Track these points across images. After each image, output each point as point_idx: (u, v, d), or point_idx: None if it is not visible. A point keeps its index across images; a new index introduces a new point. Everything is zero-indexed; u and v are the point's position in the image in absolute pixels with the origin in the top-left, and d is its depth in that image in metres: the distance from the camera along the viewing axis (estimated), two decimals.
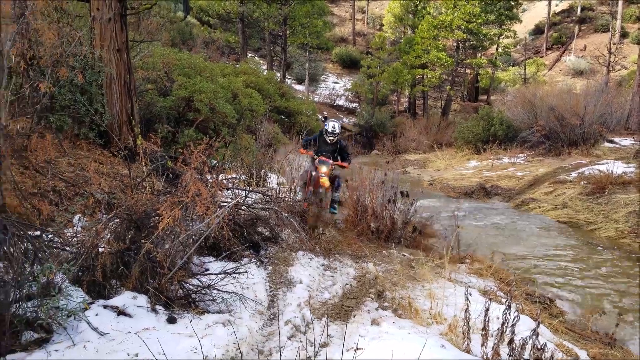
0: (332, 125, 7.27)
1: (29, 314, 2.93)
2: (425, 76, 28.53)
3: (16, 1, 4.98)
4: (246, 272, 4.49)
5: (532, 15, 41.48)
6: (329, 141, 7.28)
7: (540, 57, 37.53)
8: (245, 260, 4.95)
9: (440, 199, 13.05)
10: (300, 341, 3.37)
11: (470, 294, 3.45)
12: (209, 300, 3.92)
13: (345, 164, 7.29)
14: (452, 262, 5.94)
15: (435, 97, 32.74)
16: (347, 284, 4.90)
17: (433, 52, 27.22)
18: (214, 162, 7.04)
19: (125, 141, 6.59)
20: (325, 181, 6.79)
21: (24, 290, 2.94)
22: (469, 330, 3.44)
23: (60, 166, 5.24)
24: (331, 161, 7.08)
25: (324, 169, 6.91)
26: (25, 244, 3.09)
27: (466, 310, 3.40)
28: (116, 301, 3.38)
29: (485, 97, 33.51)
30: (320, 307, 4.30)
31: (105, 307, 3.31)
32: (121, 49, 6.80)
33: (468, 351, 3.40)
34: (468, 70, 31.77)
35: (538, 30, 40.79)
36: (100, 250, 3.57)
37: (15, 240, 2.98)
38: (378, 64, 28.87)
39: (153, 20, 12.66)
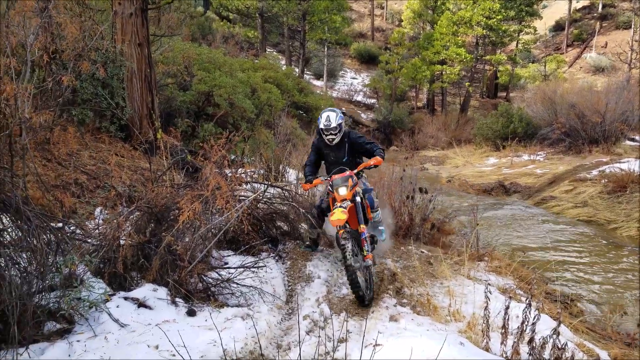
0: (326, 117, 4.94)
1: (51, 304, 2.97)
2: (444, 72, 28.24)
3: None
4: (265, 266, 4.49)
5: (553, 12, 40.70)
6: (329, 142, 5.06)
7: (561, 53, 36.79)
8: (264, 254, 4.96)
9: (458, 196, 12.92)
10: (319, 336, 3.35)
11: (490, 292, 3.42)
12: (228, 293, 3.93)
13: (372, 162, 4.92)
14: (471, 259, 5.87)
15: (454, 94, 32.39)
16: None
17: (452, 48, 26.93)
18: (232, 157, 7.06)
19: (145, 135, 6.64)
20: (340, 215, 4.25)
21: (47, 281, 2.97)
22: (489, 328, 3.40)
23: (82, 159, 5.29)
24: (348, 172, 4.82)
25: (342, 191, 4.60)
26: (48, 235, 3.13)
27: (486, 308, 3.37)
28: (137, 293, 3.41)
29: (504, 94, 33.02)
30: (338, 302, 4.28)
31: (126, 298, 3.34)
32: (142, 43, 6.84)
33: (487, 349, 3.37)
34: (487, 67, 31.34)
35: (558, 27, 39.99)
36: (122, 242, 3.60)
37: (39, 232, 3.02)
38: (397, 60, 28.66)
39: (173, 15, 12.73)
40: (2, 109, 3.45)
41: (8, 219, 2.95)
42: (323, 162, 5.39)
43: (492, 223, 9.55)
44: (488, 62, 29.43)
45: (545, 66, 32.22)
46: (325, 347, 3.13)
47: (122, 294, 3.39)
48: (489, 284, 3.58)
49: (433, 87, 29.55)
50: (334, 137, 5.04)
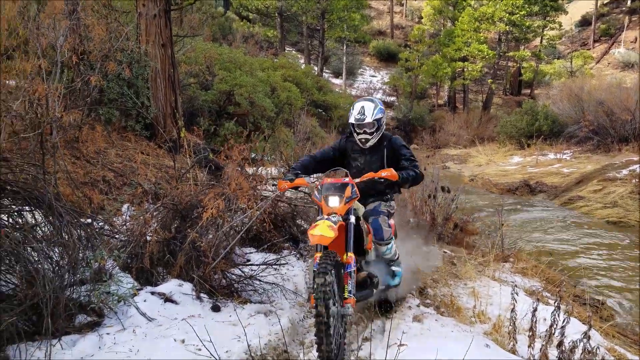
0: (360, 109, 3.76)
1: (82, 297, 3.06)
2: (465, 69, 27.95)
3: None
4: (287, 263, 4.54)
5: (579, 6, 39.79)
6: (362, 144, 3.86)
7: (587, 49, 36.01)
8: (285, 252, 5.00)
9: (481, 195, 12.79)
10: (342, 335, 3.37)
11: (517, 294, 3.38)
12: (250, 290, 3.98)
13: (384, 173, 3.52)
14: (496, 260, 5.81)
15: (476, 91, 32.02)
16: None
17: (474, 44, 26.62)
18: (253, 155, 7.13)
19: (169, 133, 6.75)
20: (325, 230, 2.96)
21: (78, 275, 3.06)
22: (515, 330, 3.36)
23: (109, 157, 5.42)
24: (348, 179, 3.48)
25: (333, 202, 3.30)
26: (79, 231, 3.22)
27: (512, 310, 3.32)
28: (163, 288, 3.49)
29: (528, 91, 32.50)
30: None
31: (152, 293, 3.41)
32: (166, 44, 6.95)
33: (514, 352, 3.32)
34: (510, 63, 30.89)
35: (585, 22, 39.12)
36: (148, 238, 3.68)
37: (70, 227, 3.11)
38: (417, 57, 28.47)
39: (195, 15, 12.89)
40: (34, 108, 3.55)
41: (41, 214, 3.05)
42: (334, 169, 3.95)
43: (517, 223, 9.42)
44: (511, 58, 29.02)
45: (571, 62, 31.60)
46: (350, 346, 3.15)
47: (149, 288, 3.47)
48: (516, 286, 3.53)
49: (454, 85, 29.26)
50: (368, 137, 3.80)
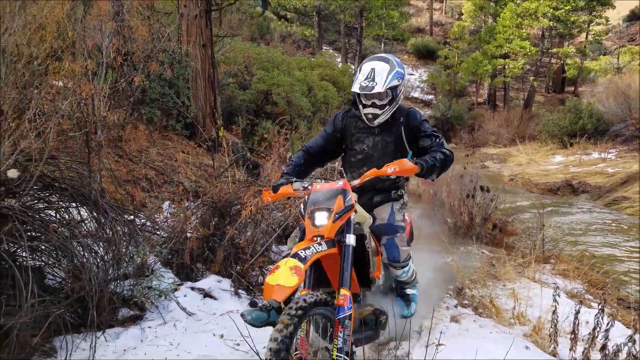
0: (369, 71, 2.76)
1: (125, 292, 3.16)
2: (506, 66, 27.22)
3: (114, 0, 5.33)
4: None
5: (627, 1, 38.19)
6: (368, 120, 2.89)
7: (636, 45, 34.49)
8: None
9: (522, 195, 12.45)
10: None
11: (558, 295, 3.30)
12: None
13: (393, 167, 2.55)
14: (536, 261, 5.67)
15: (517, 89, 31.17)
16: (424, 280, 4.82)
17: (516, 41, 25.89)
18: (290, 154, 7.18)
19: (208, 133, 6.88)
20: (284, 279, 2.02)
21: (122, 270, 3.16)
22: (557, 333, 3.28)
23: (150, 155, 5.57)
24: (342, 183, 2.55)
25: (319, 218, 2.39)
26: (122, 227, 3.32)
27: (554, 312, 3.25)
28: (202, 284, 3.56)
29: (572, 89, 31.38)
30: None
31: (192, 288, 3.49)
32: (206, 44, 7.08)
33: (554, 355, 3.25)
34: (554, 60, 29.91)
35: (633, 17, 37.41)
36: (188, 235, 3.77)
37: (114, 223, 3.21)
38: (456, 55, 27.97)
39: (235, 15, 13.08)
40: (81, 108, 3.69)
41: (87, 211, 3.16)
42: (337, 158, 3.23)
43: (559, 224, 9.13)
44: (555, 55, 28.09)
45: (618, 59, 30.31)
46: (388, 345, 3.13)
47: (189, 284, 3.55)
48: (557, 287, 3.45)
49: (495, 82, 28.57)
50: (378, 112, 2.80)
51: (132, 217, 3.78)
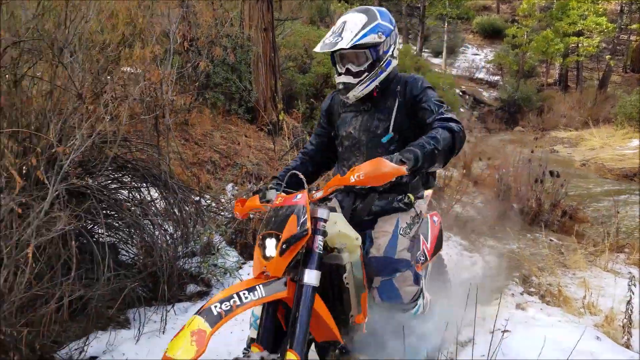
0: (340, 24, 2.03)
1: (193, 268, 3.30)
2: (580, 45, 25.56)
3: None
4: None
5: None
6: (341, 93, 2.16)
7: None
8: None
9: (594, 181, 11.78)
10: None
11: (634, 285, 3.15)
12: None
13: (362, 171, 1.66)
14: (609, 250, 5.41)
15: (592, 68, 29.25)
16: (488, 266, 4.70)
17: (591, 17, 24.20)
18: None
19: (269, 116, 6.98)
20: (181, 351, 1.41)
21: (189, 248, 3.31)
22: (630, 324, 3.13)
23: (214, 139, 5.73)
24: (300, 195, 1.79)
25: (268, 248, 1.71)
26: (189, 207, 3.46)
27: (629, 302, 3.12)
28: None
29: None
30: (458, 286, 4.19)
31: None
32: (267, 28, 7.14)
33: (628, 346, 3.13)
34: (633, 37, 27.72)
35: None
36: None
37: (182, 204, 3.35)
38: (525, 33, 26.58)
39: None
40: (150, 92, 3.85)
41: (157, 191, 3.31)
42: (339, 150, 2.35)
43: (635, 211, 8.57)
44: (634, 31, 26.03)
45: None
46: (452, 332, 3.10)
47: (251, 263, 3.65)
48: (633, 277, 3.27)
49: (567, 62, 26.92)
50: (352, 80, 2.09)
51: (198, 197, 3.94)
